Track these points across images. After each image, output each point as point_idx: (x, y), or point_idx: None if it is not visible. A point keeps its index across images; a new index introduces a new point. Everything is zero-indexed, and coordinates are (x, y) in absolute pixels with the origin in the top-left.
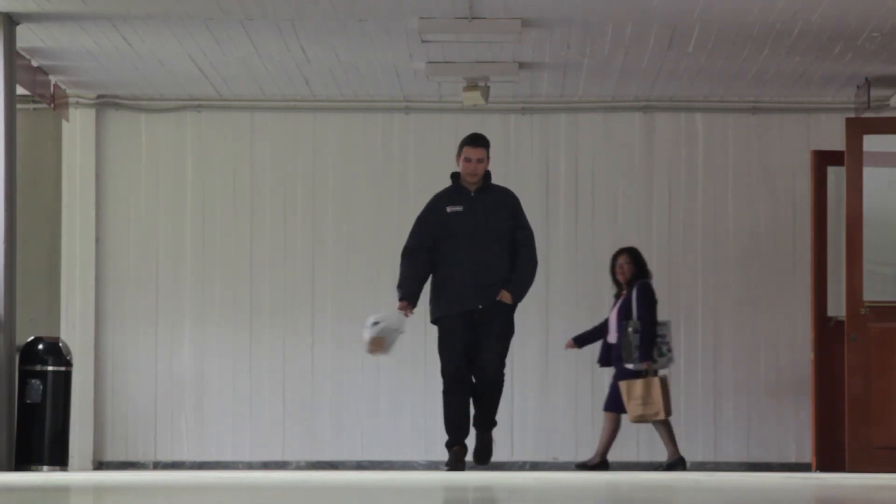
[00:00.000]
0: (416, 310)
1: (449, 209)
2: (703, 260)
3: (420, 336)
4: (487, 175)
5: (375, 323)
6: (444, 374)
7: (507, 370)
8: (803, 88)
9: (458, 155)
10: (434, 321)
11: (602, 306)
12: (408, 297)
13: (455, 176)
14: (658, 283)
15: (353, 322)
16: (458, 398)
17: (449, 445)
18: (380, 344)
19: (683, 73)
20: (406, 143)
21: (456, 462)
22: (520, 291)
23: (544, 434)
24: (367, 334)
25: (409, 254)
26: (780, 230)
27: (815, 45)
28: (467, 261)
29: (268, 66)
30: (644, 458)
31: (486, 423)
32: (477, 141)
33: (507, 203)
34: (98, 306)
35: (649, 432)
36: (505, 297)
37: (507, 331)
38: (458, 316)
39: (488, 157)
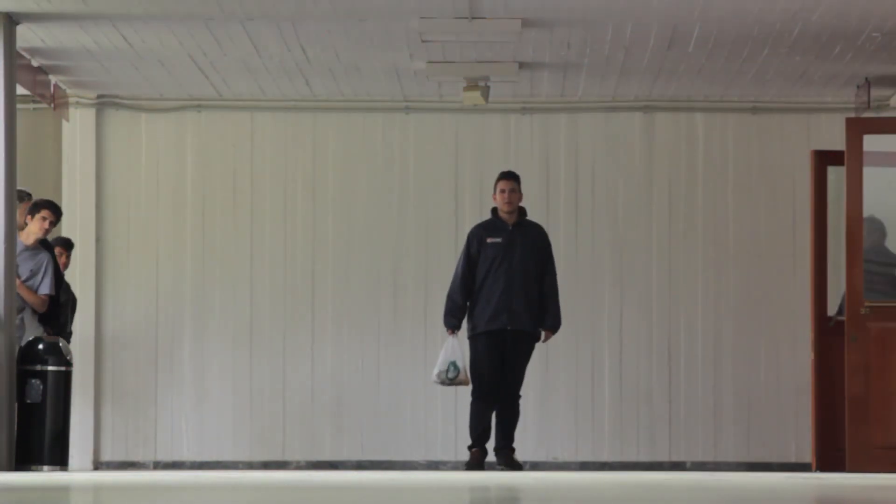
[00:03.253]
0: (416, 313)
1: (489, 240)
2: (703, 260)
3: (420, 337)
4: (523, 211)
5: (453, 364)
6: (474, 385)
7: None
8: (803, 88)
9: (494, 192)
10: (469, 337)
11: (602, 306)
12: (454, 328)
13: (494, 211)
14: (658, 283)
15: (354, 322)
16: (484, 407)
17: (470, 448)
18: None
19: (683, 73)
20: (406, 143)
21: (474, 464)
22: (557, 322)
23: (544, 434)
24: (459, 375)
25: (460, 281)
26: (780, 230)
27: (815, 45)
28: (502, 286)
29: (268, 66)
30: (644, 458)
31: (505, 444)
32: (508, 175)
33: (539, 237)
34: (98, 306)
35: (650, 432)
36: (548, 336)
37: (529, 357)
38: (490, 335)
39: (520, 191)
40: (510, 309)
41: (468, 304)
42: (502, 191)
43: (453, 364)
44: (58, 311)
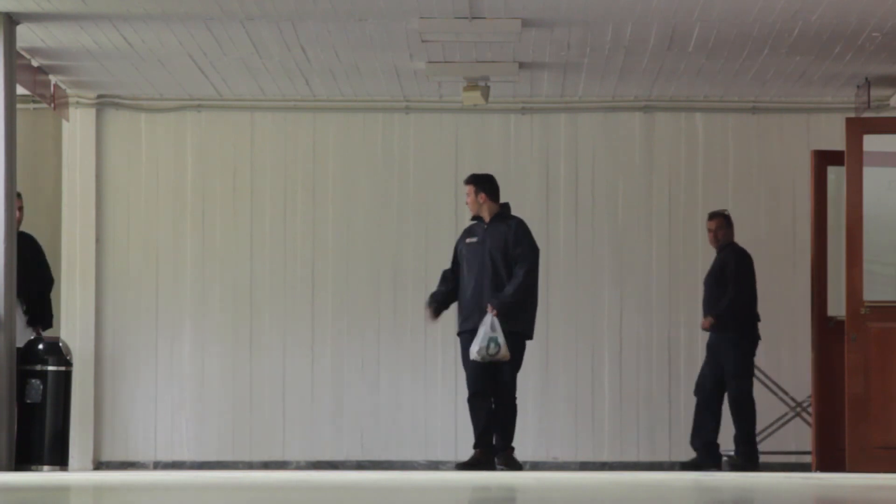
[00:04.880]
0: (416, 313)
1: (467, 240)
2: (703, 260)
3: (420, 336)
4: (504, 207)
5: (494, 340)
6: (467, 383)
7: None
8: (803, 88)
9: None
10: (457, 335)
11: (602, 306)
12: (433, 307)
13: None
14: (658, 283)
15: (354, 322)
16: (479, 406)
17: (474, 447)
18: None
19: (683, 73)
20: (406, 143)
21: (469, 463)
22: (503, 303)
23: (544, 434)
24: (500, 350)
25: (443, 274)
26: (780, 230)
27: (815, 45)
28: (472, 285)
29: (268, 66)
30: (644, 458)
31: (504, 444)
32: (466, 180)
33: (507, 230)
34: (98, 306)
35: (650, 432)
36: (492, 311)
37: (515, 356)
38: (469, 333)
39: (482, 192)
40: (480, 309)
41: (453, 293)
42: None
43: (494, 340)
44: (47, 307)
